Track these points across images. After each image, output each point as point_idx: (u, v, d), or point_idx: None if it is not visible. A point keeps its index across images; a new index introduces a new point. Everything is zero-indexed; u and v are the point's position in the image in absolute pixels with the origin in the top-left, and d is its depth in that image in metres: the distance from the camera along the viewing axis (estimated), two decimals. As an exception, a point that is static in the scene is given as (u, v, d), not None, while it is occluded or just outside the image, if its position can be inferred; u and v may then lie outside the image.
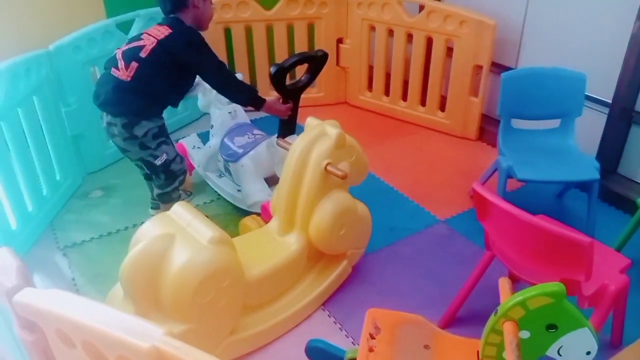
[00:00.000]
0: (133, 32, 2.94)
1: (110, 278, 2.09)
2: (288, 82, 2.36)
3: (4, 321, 1.49)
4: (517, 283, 1.77)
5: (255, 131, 2.61)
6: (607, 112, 2.65)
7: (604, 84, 2.60)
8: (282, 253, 1.92)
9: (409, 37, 3.34)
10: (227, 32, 3.42)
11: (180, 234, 1.65)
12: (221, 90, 2.25)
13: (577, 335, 1.27)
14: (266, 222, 2.16)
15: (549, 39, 2.86)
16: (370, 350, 1.39)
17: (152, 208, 2.53)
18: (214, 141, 2.66)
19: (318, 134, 1.93)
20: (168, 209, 1.82)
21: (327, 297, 2.07)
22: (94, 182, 2.82)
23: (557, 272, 1.54)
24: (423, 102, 3.47)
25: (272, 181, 2.54)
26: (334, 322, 1.99)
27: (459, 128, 3.32)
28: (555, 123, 2.52)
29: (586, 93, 2.44)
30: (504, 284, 1.40)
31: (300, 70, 2.46)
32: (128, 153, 2.22)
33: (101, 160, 2.92)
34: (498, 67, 3.09)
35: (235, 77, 2.26)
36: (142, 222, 2.43)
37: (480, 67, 3.11)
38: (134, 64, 2.05)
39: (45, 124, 2.51)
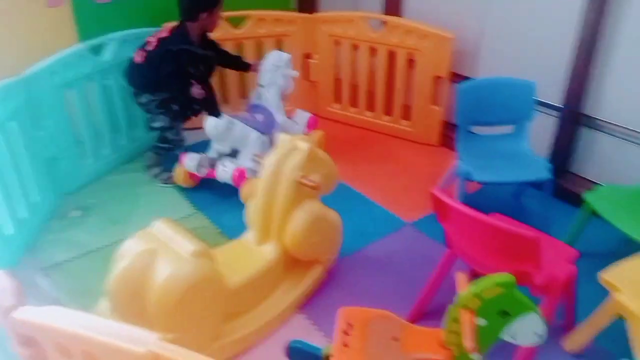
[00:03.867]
0: (106, 54, 3.04)
1: (95, 295, 2.16)
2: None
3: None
4: (477, 278, 1.93)
5: (257, 115, 3.01)
6: (557, 115, 2.85)
7: (553, 89, 2.80)
8: (260, 262, 2.04)
9: (373, 51, 3.51)
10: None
11: (162, 249, 1.75)
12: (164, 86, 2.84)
13: (527, 319, 1.42)
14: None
15: (505, 49, 3.06)
16: (345, 345, 1.52)
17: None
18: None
19: (290, 149, 2.06)
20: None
21: (304, 301, 2.19)
22: (71, 202, 2.88)
23: (511, 265, 1.69)
24: (388, 112, 3.64)
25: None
26: (312, 324, 2.11)
27: (422, 135, 3.49)
28: (509, 128, 2.70)
29: (537, 98, 2.63)
30: (461, 277, 1.55)
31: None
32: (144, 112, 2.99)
33: (77, 181, 2.98)
34: (459, 77, 3.27)
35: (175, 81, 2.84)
36: (122, 240, 2.55)
37: (440, 78, 3.29)
38: (143, 53, 2.79)
39: (22, 148, 2.57)
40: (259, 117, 2.99)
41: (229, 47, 3.55)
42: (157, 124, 2.90)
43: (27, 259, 2.48)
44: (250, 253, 2.09)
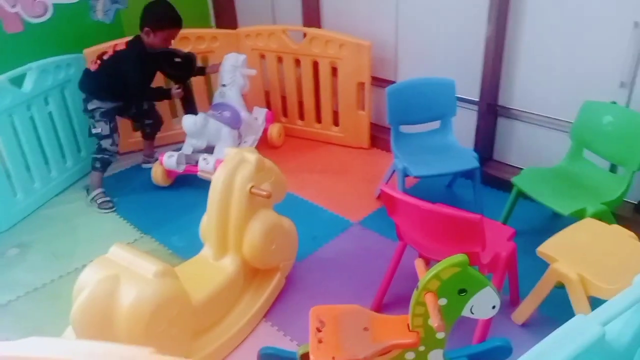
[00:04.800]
0: (27, 85, 2.92)
1: (47, 331, 2.10)
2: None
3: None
4: (428, 264, 2.06)
5: (225, 112, 3.22)
6: (476, 109, 3.08)
7: (471, 85, 3.03)
8: (221, 276, 2.06)
9: (297, 62, 3.61)
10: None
11: (124, 273, 1.73)
12: (135, 96, 3.09)
13: (482, 294, 1.56)
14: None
15: (420, 52, 3.27)
16: (319, 341, 1.59)
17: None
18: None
19: (238, 162, 2.10)
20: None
21: (267, 309, 2.23)
22: (7, 241, 2.74)
23: (459, 248, 1.83)
24: (318, 120, 3.75)
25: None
26: (277, 330, 2.16)
27: (353, 139, 3.62)
28: (436, 124, 2.90)
29: (458, 95, 2.84)
30: (419, 263, 1.67)
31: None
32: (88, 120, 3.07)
33: (10, 218, 2.85)
34: (381, 81, 3.45)
35: (147, 89, 3.10)
36: (68, 273, 2.48)
37: (363, 84, 3.45)
38: (99, 62, 2.92)
39: (-53, 190, 2.42)
40: (226, 113, 3.21)
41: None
42: (96, 130, 2.99)
43: (-34, 305, 2.34)
44: (209, 269, 2.10)
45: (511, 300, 2.21)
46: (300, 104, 3.77)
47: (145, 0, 3.64)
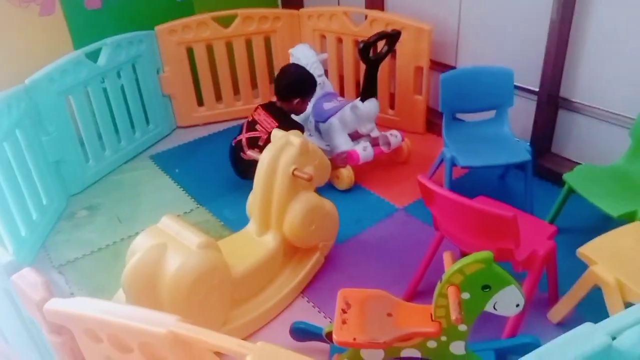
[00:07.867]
0: (102, 59, 3.15)
1: (107, 289, 2.32)
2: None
3: (25, 329, 1.70)
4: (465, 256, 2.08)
5: (339, 98, 3.30)
6: (535, 99, 2.99)
7: (531, 74, 2.94)
8: (262, 251, 2.18)
9: (357, 43, 3.63)
10: (190, 51, 3.64)
11: (171, 243, 1.88)
12: None
13: (506, 292, 1.57)
14: (352, 166, 2.99)
15: (482, 38, 3.19)
16: (344, 322, 1.67)
17: None
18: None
19: (283, 144, 2.20)
20: None
21: (304, 285, 2.33)
22: (78, 203, 3.01)
23: (493, 244, 1.84)
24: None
25: (354, 136, 3.15)
26: (313, 306, 2.26)
27: (408, 124, 3.61)
28: (491, 113, 2.84)
29: (516, 84, 2.77)
30: (447, 256, 1.70)
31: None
32: None
33: (82, 182, 3.11)
34: (440, 66, 3.41)
35: None
36: (129, 236, 2.70)
37: (421, 68, 3.42)
38: (257, 149, 2.70)
39: (29, 154, 2.68)
40: (340, 99, 3.30)
41: (219, 47, 3.69)
42: None
43: (41, 258, 2.62)
44: (252, 243, 2.22)
45: (549, 299, 2.19)
46: (357, 84, 3.79)
47: None
